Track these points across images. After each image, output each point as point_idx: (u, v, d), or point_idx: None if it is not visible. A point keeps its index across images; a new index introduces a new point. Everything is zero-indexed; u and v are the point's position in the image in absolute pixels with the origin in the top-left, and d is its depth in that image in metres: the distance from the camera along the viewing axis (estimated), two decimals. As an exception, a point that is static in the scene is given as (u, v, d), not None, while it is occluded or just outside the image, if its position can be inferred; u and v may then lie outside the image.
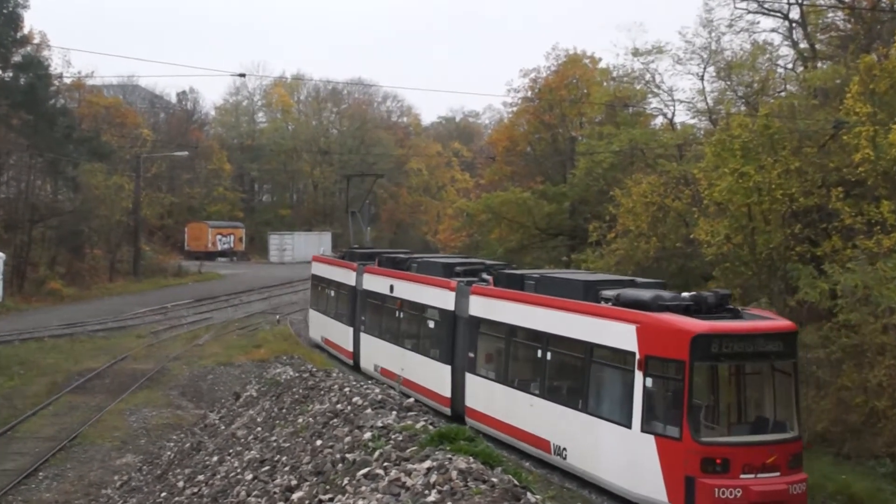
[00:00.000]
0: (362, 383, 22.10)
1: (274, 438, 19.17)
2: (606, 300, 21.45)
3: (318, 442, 16.60)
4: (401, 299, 31.89)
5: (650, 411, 19.12)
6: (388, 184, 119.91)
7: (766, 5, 41.08)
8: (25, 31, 64.60)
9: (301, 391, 23.21)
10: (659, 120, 52.13)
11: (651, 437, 18.93)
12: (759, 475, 18.13)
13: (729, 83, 42.69)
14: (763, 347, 19.20)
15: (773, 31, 42.78)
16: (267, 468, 16.57)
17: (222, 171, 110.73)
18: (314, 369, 27.35)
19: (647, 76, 47.33)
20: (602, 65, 59.46)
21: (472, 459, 12.79)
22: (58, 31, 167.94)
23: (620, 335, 19.87)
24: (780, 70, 42.36)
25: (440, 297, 28.63)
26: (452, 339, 27.94)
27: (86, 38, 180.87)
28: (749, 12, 41.53)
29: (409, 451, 13.82)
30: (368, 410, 17.52)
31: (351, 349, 36.53)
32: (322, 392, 21.76)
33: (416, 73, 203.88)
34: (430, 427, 15.65)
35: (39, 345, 42.87)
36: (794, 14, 40.93)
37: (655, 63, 46.69)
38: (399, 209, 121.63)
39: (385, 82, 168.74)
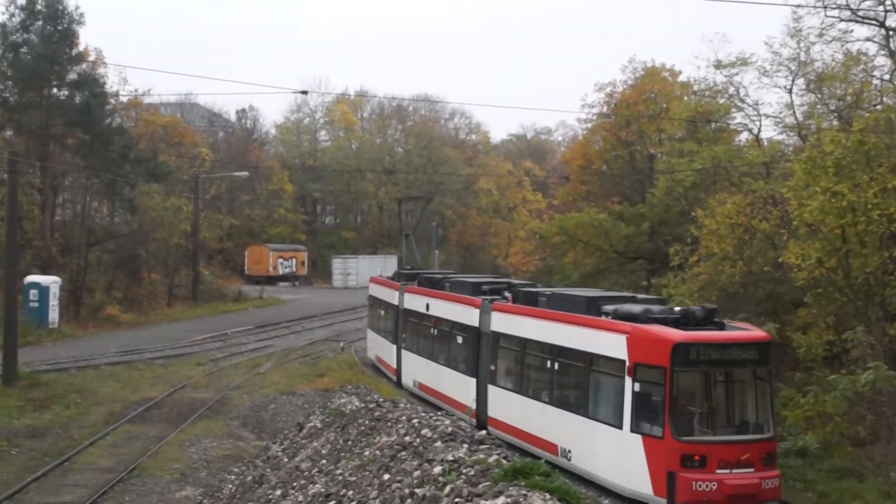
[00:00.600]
0: (431, 415, 22.14)
1: (339, 472, 19.26)
2: (606, 314, 24.15)
3: (386, 476, 16.66)
4: (435, 317, 35.05)
5: (638, 413, 21.81)
6: (456, 204, 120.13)
7: (860, 13, 40.11)
8: (81, 48, 65.44)
9: (367, 422, 23.30)
10: (744, 136, 51.58)
11: (639, 437, 21.68)
12: (733, 471, 20.84)
13: (820, 96, 42.12)
14: (738, 355, 22.12)
15: (867, 39, 41.88)
16: (333, 503, 16.64)
17: (283, 192, 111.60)
18: (381, 399, 27.43)
19: (731, 90, 46.87)
20: (682, 78, 59.12)
21: (548, 496, 12.77)
22: (114, 48, 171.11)
23: (613, 345, 22.72)
24: (875, 81, 41.43)
25: (466, 314, 31.78)
26: (477, 353, 30.94)
27: (142, 55, 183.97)
28: (841, 20, 40.61)
29: (481, 486, 13.83)
30: (438, 443, 17.55)
31: (394, 366, 39.68)
32: (389, 423, 21.83)
33: (484, 89, 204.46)
34: (504, 461, 15.65)
35: (97, 373, 43.43)
36: (892, 21, 40.02)
37: (740, 76, 46.26)
38: (468, 231, 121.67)
39: (452, 98, 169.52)
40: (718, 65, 46.13)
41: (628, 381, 22.01)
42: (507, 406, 28.42)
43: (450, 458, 15.94)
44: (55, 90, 63.77)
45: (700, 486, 20.65)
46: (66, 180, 67.45)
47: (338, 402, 29.86)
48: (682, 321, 22.35)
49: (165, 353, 50.14)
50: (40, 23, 61.65)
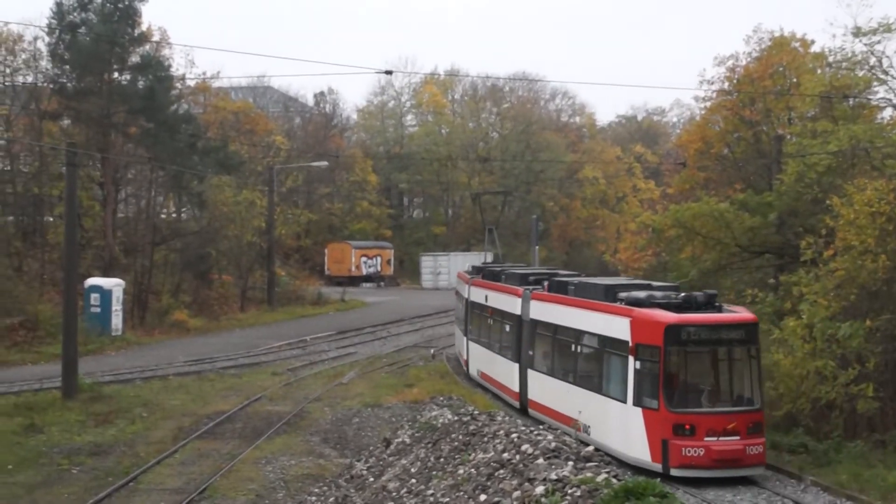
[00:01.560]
0: (532, 429, 22.05)
1: (431, 492, 19.28)
2: (620, 300, 29.70)
3: (483, 497, 16.63)
4: (491, 307, 41.66)
5: (639, 388, 27.67)
6: (558, 195, 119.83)
7: None
8: (143, 27, 66.11)
9: (461, 437, 23.29)
10: (887, 113, 50.57)
11: (639, 410, 27.59)
12: (720, 438, 26.63)
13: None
14: (726, 335, 28.00)
15: None
16: (423, 527, 16.65)
17: (367, 184, 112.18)
18: (476, 412, 27.40)
19: (872, 60, 45.87)
20: (815, 48, 58.16)
21: (664, 519, 12.63)
22: (180, 28, 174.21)
23: (621, 327, 28.56)
24: None
25: (512, 304, 38.05)
26: (519, 339, 37.30)
27: (211, 34, 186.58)
28: None
29: (589, 508, 13.72)
30: (540, 460, 17.48)
31: (465, 356, 45.66)
32: (485, 439, 21.80)
33: (589, 66, 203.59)
34: (614, 480, 15.52)
35: (164, 384, 44.02)
36: None
37: (882, 44, 45.22)
38: (571, 224, 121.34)
39: (553, 76, 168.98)
40: (857, 32, 45.18)
41: (631, 359, 27.91)
42: (543, 388, 34.74)
43: (553, 476, 15.87)
44: (116, 74, 64.42)
45: (689, 451, 26.61)
46: (129, 173, 68.50)
47: (428, 415, 29.89)
48: (684, 305, 28.20)
49: (238, 361, 50.67)
50: (99, 0, 62.32)
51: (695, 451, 26.64)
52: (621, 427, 28.40)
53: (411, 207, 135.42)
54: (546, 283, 36.62)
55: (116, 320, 55.62)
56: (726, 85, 60.93)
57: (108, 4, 62.34)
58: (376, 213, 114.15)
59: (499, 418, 25.59)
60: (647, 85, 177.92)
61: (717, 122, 63.88)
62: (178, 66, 78.20)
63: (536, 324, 35.52)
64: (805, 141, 48.23)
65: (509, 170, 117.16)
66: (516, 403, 37.27)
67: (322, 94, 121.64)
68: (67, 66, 62.87)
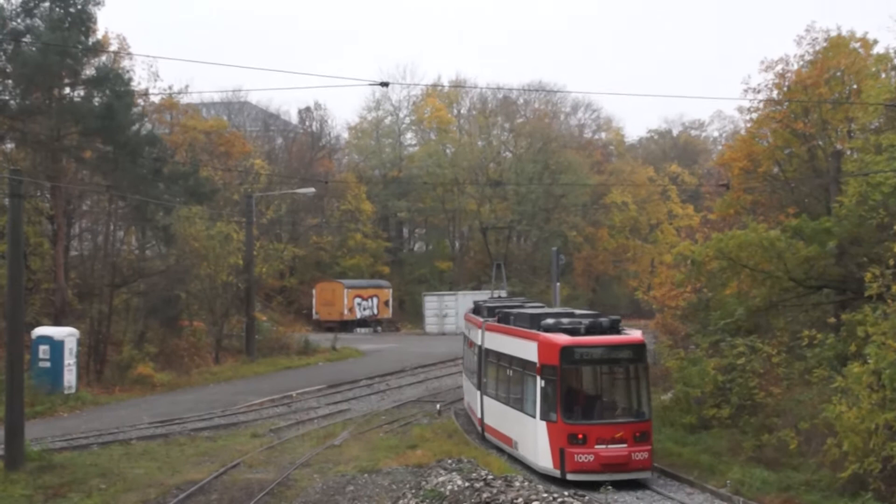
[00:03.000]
0: (555, 495, 21.79)
1: (437, 574, 19.02)
2: (539, 328, 37.60)
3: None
4: (469, 339, 49.62)
5: (543, 404, 36.06)
6: (582, 223, 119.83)
7: None
8: (99, 35, 65.83)
9: (473, 508, 23.05)
10: (964, 123, 50.48)
11: (544, 423, 35.98)
12: (608, 446, 34.77)
13: None
14: (614, 355, 36.60)
15: None
16: None
17: (360, 213, 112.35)
18: (490, 476, 27.18)
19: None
20: (878, 49, 58.15)
21: None
22: (141, 36, 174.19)
23: (532, 351, 37.16)
24: None
25: (476, 334, 46.11)
26: (480, 367, 45.18)
27: (177, 44, 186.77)
28: None
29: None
30: (565, 535, 17.25)
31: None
32: (501, 509, 21.56)
33: (615, 74, 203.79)
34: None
35: (126, 449, 43.66)
36: None
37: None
38: (598, 257, 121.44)
39: (574, 87, 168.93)
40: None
41: (538, 378, 36.32)
42: (492, 412, 43.03)
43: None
44: (67, 90, 64.11)
45: (581, 458, 34.92)
46: (84, 204, 68.26)
47: (434, 481, 29.68)
48: (589, 329, 36.63)
49: (213, 422, 50.35)
50: (47, 4, 61.72)
51: (586, 458, 34.94)
52: (533, 440, 36.85)
53: (412, 240, 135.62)
54: (497, 315, 44.79)
55: (69, 376, 55.19)
56: (775, 94, 60.83)
57: (57, 9, 61.59)
58: (372, 246, 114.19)
59: (517, 484, 25.36)
60: (682, 95, 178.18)
61: (764, 136, 63.75)
62: (139, 80, 78.63)
63: (488, 352, 43.84)
64: (868, 157, 48.12)
65: (525, 195, 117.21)
66: (479, 429, 45.18)
67: (308, 109, 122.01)
68: (10, 81, 62.20)
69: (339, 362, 76.23)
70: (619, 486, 33.66)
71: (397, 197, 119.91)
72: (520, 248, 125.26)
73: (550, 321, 37.76)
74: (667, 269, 71.83)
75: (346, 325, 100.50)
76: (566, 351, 35.76)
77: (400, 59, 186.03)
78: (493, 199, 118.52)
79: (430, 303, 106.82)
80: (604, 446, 34.87)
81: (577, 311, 43.35)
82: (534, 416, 36.61)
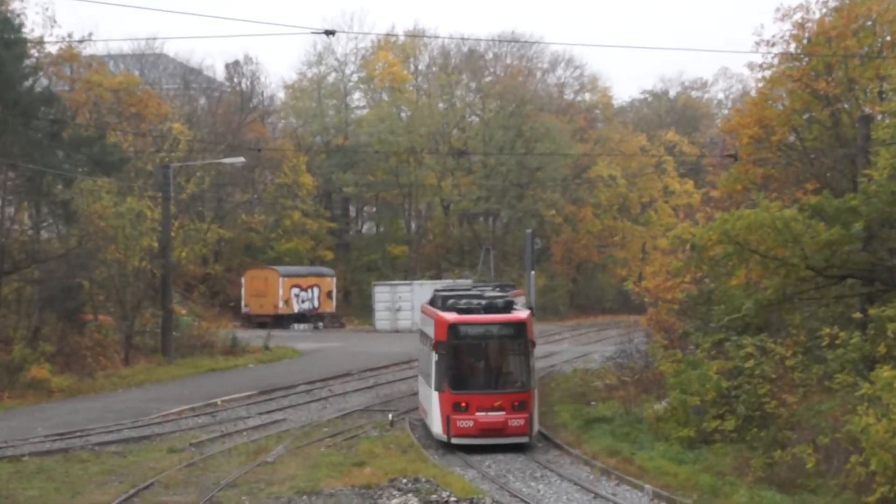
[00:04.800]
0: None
1: None
2: (443, 308, 47.72)
3: None
4: (424, 333, 53.37)
5: (437, 376, 44.93)
6: (562, 200, 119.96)
7: None
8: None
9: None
10: None
11: (437, 393, 44.93)
12: (488, 413, 44.11)
13: None
14: (497, 332, 46.27)
15: None
16: None
17: (299, 188, 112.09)
18: (452, 498, 27.07)
19: None
20: (914, -7, 58.36)
21: None
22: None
23: (432, 328, 46.90)
24: None
25: (429, 327, 50.66)
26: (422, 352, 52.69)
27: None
28: None
29: None
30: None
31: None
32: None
33: (603, 25, 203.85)
34: None
35: (16, 467, 43.35)
36: None
37: None
38: (580, 241, 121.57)
39: (553, 37, 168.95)
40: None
41: (434, 353, 45.34)
42: (420, 392, 52.25)
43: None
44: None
45: (462, 423, 44.32)
46: (-32, 175, 67.91)
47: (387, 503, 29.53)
48: (485, 308, 46.50)
49: (122, 434, 50.16)
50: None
51: (466, 423, 44.34)
52: (431, 409, 46.04)
53: (360, 220, 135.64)
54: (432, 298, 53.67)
55: (-52, 379, 55.00)
56: (793, 47, 60.97)
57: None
58: (312, 227, 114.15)
59: (483, 508, 25.23)
60: (680, 48, 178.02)
61: (779, 98, 63.91)
62: (32, 26, 77.70)
63: (421, 333, 53.04)
64: (902, 123, 48.23)
65: (494, 167, 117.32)
66: (422, 414, 52.06)
67: (236, 64, 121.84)
68: None
69: (273, 364, 76.27)
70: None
71: (343, 169, 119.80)
72: (487, 229, 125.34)
73: (452, 301, 48.01)
74: (661, 255, 72.06)
75: (282, 321, 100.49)
76: (453, 328, 45.53)
77: (346, 6, 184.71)
78: (456, 171, 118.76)
79: (381, 294, 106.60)
80: (483, 413, 44.43)
81: (495, 292, 53.82)
82: (431, 388, 46.12)
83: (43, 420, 52.93)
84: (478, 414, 44.38)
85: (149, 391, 62.97)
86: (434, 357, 45.53)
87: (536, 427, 46.68)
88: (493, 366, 47.03)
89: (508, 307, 47.56)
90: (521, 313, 47.40)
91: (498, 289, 62.00)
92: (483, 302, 47.62)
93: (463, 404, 44.48)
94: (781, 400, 41.28)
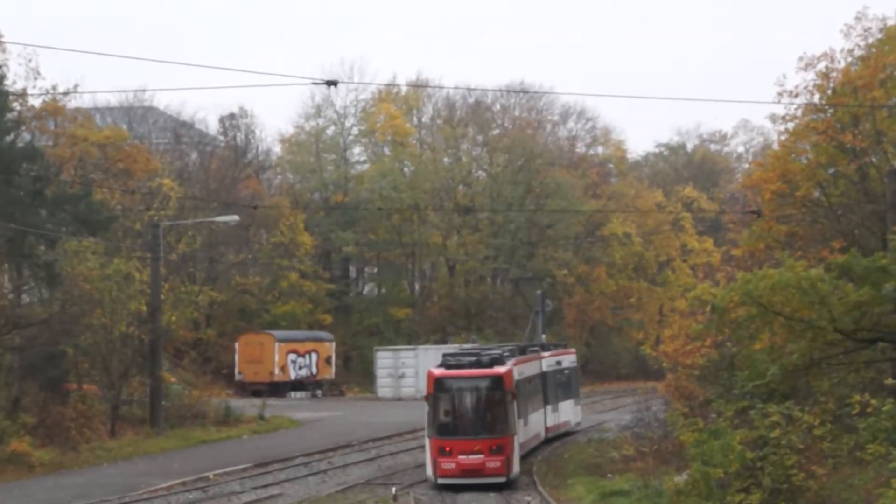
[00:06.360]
0: None
1: None
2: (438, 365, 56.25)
3: None
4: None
5: (429, 424, 53.14)
6: (574, 260, 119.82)
7: None
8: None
9: None
10: None
11: (429, 440, 53.01)
12: (469, 457, 51.89)
13: None
14: (476, 384, 53.94)
15: None
16: None
17: (296, 247, 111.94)
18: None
19: None
20: (946, 41, 58.35)
21: None
22: (18, 23, 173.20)
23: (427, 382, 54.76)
24: None
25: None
26: None
27: (63, 32, 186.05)
28: None
29: None
30: None
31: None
32: None
33: (616, 76, 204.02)
34: None
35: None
36: None
37: None
38: (593, 303, 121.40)
39: (564, 88, 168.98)
40: None
41: (426, 404, 53.30)
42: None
43: None
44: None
45: (446, 465, 51.89)
46: (-54, 236, 67.80)
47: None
48: (471, 364, 54.73)
49: (108, 511, 49.94)
50: None
51: (450, 465, 52.07)
52: (427, 454, 53.79)
53: (361, 281, 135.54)
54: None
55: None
56: (817, 98, 60.92)
57: None
58: (311, 289, 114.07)
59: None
60: (699, 98, 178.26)
61: (803, 151, 63.85)
62: (14, 78, 77.49)
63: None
64: (935, 176, 48.08)
65: (502, 224, 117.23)
66: None
67: (230, 117, 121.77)
68: None
69: (268, 435, 76.03)
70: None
71: (342, 227, 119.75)
72: (495, 290, 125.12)
73: (447, 358, 57.09)
74: (680, 317, 71.88)
75: (278, 388, 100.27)
76: (438, 381, 53.80)
77: (345, 55, 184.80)
78: (462, 229, 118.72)
79: (384, 360, 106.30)
80: (464, 456, 52.11)
81: (493, 349, 62.75)
82: (425, 435, 54.69)
83: (23, 498, 52.71)
84: (460, 457, 52.13)
85: (136, 465, 62.69)
86: (426, 408, 53.84)
87: (517, 469, 54.25)
88: (473, 414, 54.72)
89: (493, 363, 55.45)
90: (502, 368, 55.33)
91: (553, 347, 78.22)
92: (472, 359, 56.15)
93: (447, 449, 52.32)
94: (810, 472, 40.94)
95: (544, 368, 71.15)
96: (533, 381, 67.25)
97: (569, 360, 79.10)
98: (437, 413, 53.89)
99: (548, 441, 70.03)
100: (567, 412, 76.21)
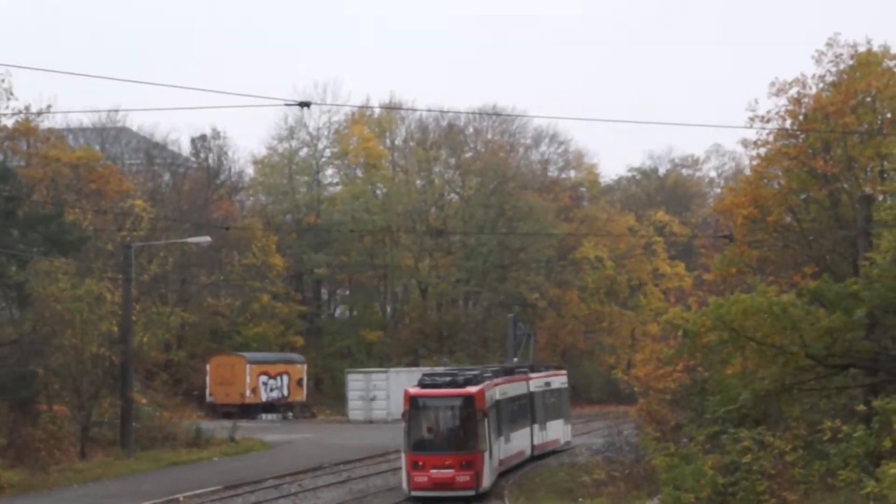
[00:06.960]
0: None
1: None
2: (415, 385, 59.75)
3: None
4: None
5: (406, 439, 56.02)
6: (546, 284, 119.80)
7: None
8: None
9: None
10: None
11: (405, 454, 56.04)
12: (440, 471, 54.98)
13: None
14: (447, 403, 56.95)
15: None
16: None
17: (268, 269, 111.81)
18: None
19: None
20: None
21: None
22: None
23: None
24: None
25: None
26: None
27: (37, 52, 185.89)
28: None
29: None
30: None
31: None
32: None
33: (590, 99, 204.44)
34: None
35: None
36: None
37: None
38: (565, 327, 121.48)
39: (536, 111, 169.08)
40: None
41: (404, 421, 56.33)
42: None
43: None
44: None
45: (419, 478, 54.75)
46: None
47: None
48: (446, 384, 57.56)
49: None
50: None
51: (422, 479, 54.85)
52: (403, 467, 56.23)
53: (333, 303, 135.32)
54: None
55: None
56: (788, 123, 61.09)
57: None
58: (282, 311, 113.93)
59: None
60: (672, 122, 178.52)
61: (775, 176, 63.99)
62: (-14, 97, 77.33)
63: None
64: (905, 203, 48.19)
65: (474, 247, 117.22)
66: None
67: (202, 138, 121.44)
68: None
69: (239, 457, 75.82)
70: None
71: (315, 249, 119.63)
72: (467, 313, 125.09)
73: (422, 378, 60.67)
74: (652, 341, 71.91)
75: (249, 410, 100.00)
76: (412, 399, 56.64)
77: (318, 77, 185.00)
78: (434, 252, 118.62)
79: (355, 382, 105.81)
80: (436, 470, 54.88)
81: (474, 370, 65.64)
82: (401, 451, 57.23)
83: (-9, 519, 52.55)
84: (432, 471, 55.00)
85: (106, 487, 62.50)
86: (404, 425, 56.55)
87: (487, 483, 57.17)
88: (444, 431, 57.36)
89: (466, 383, 58.10)
90: (473, 388, 57.72)
91: (544, 368, 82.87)
92: (447, 379, 59.18)
93: (420, 463, 55.27)
94: (781, 498, 41.07)
95: (531, 389, 74.41)
96: (518, 401, 70.70)
97: (559, 381, 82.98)
98: (412, 429, 56.25)
99: (535, 458, 73.18)
100: (556, 431, 79.48)
